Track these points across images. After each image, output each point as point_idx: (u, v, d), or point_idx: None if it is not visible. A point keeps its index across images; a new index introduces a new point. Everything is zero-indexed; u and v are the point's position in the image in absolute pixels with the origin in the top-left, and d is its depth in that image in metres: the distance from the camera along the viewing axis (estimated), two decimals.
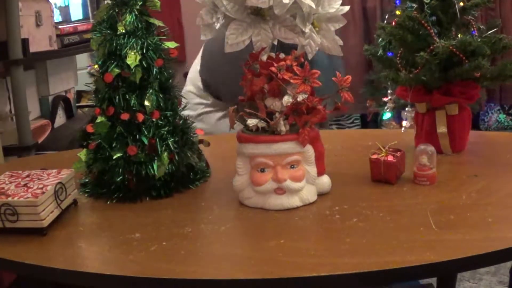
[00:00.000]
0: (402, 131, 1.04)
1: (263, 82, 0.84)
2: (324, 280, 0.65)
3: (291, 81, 0.81)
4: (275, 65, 0.82)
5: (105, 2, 0.93)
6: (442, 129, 1.04)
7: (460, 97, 1.03)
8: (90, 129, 0.92)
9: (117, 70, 0.88)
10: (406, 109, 1.02)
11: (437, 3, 0.98)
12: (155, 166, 0.89)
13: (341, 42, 0.91)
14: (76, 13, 2.35)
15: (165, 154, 0.90)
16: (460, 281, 2.01)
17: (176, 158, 0.91)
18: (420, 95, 1.04)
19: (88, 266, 0.72)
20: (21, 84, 1.78)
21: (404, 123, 1.04)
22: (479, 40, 0.98)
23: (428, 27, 0.98)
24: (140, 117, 0.89)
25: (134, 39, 0.89)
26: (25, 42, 1.79)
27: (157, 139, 0.90)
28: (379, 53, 1.05)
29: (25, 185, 0.84)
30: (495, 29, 1.01)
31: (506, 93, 3.73)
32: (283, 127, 0.83)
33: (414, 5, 1.03)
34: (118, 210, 0.89)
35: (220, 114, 1.58)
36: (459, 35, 1.02)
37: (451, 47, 0.95)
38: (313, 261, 0.69)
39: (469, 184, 0.91)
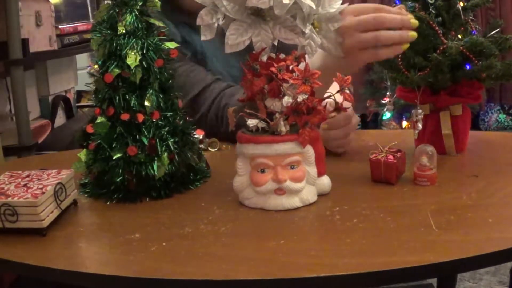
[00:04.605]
0: (416, 132, 1.02)
1: (263, 83, 0.84)
2: (324, 281, 0.65)
3: (291, 81, 0.81)
4: (275, 65, 0.82)
5: (105, 2, 0.93)
6: (447, 130, 1.03)
7: (467, 97, 1.03)
8: (90, 129, 0.91)
9: (117, 70, 0.88)
10: (418, 110, 1.01)
11: (443, 4, 0.98)
12: (155, 167, 0.89)
13: None
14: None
15: (165, 154, 0.89)
16: (460, 281, 2.01)
17: (176, 158, 0.91)
18: (425, 96, 1.03)
19: (88, 267, 0.72)
20: (21, 84, 1.78)
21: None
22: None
23: (436, 28, 0.98)
24: (140, 117, 0.89)
25: (134, 39, 0.89)
26: (25, 42, 1.79)
27: (157, 140, 0.90)
28: None
29: (25, 185, 0.83)
30: (498, 30, 1.01)
31: (506, 93, 3.74)
32: (283, 128, 0.83)
33: (416, 5, 1.03)
34: (118, 210, 0.89)
35: None
36: (459, 36, 1.02)
37: (461, 48, 0.95)
38: (313, 261, 0.69)
39: (470, 185, 0.91)
